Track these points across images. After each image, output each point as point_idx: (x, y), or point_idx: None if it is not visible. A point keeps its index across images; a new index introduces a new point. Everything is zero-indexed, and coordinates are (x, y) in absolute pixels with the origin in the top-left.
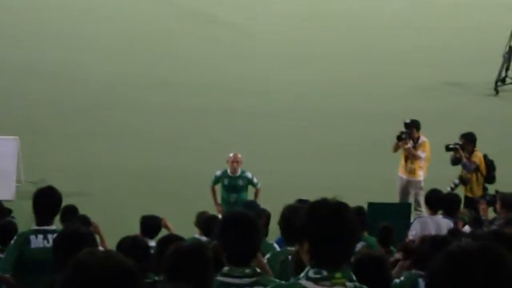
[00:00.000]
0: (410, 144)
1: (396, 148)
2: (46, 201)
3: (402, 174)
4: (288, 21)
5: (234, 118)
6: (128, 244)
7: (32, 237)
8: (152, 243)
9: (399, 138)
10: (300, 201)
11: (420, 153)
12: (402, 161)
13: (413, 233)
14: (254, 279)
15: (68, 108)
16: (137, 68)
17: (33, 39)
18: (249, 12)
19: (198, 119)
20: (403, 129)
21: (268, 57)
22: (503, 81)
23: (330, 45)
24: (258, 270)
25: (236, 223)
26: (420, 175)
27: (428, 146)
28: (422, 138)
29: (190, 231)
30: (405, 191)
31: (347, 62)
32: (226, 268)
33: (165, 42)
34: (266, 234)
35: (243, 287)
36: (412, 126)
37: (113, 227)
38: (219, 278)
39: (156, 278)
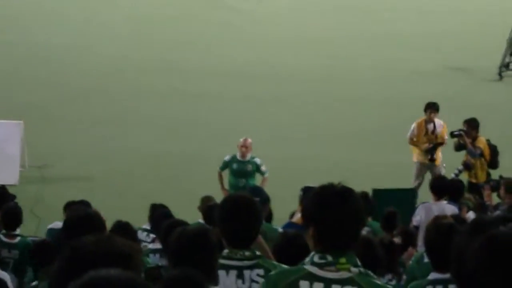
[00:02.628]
0: (428, 145)
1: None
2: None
3: (422, 159)
4: (295, 6)
5: (241, 104)
6: (114, 228)
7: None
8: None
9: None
10: (306, 188)
11: (446, 138)
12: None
13: (417, 218)
14: (254, 261)
15: (72, 93)
16: (143, 53)
17: (38, 24)
18: None
19: (205, 105)
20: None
21: (275, 42)
22: (507, 66)
23: (336, 30)
24: (258, 253)
25: (234, 206)
26: (440, 157)
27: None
28: (439, 122)
29: (194, 217)
30: (421, 174)
31: (353, 47)
32: (226, 251)
33: (172, 27)
34: (271, 219)
35: (243, 269)
36: (432, 108)
37: (117, 212)
38: (220, 260)
39: (160, 264)
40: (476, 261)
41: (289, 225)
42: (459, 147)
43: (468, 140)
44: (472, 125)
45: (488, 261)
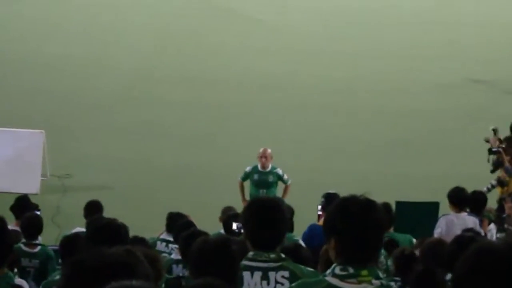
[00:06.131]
0: None
1: None
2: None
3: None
4: (316, 17)
5: (262, 114)
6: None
7: None
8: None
9: None
10: (327, 194)
11: None
12: None
13: (439, 230)
14: (279, 263)
15: (93, 103)
16: (163, 64)
17: (58, 34)
18: (276, 8)
19: (225, 115)
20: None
21: (295, 53)
22: None
23: (356, 41)
24: (283, 255)
25: (261, 208)
26: None
27: None
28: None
29: (213, 227)
30: None
31: (372, 58)
32: (251, 253)
33: (192, 37)
34: (292, 230)
35: (268, 271)
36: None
37: (137, 222)
38: (244, 262)
39: (181, 274)
40: (465, 275)
41: (313, 226)
42: (497, 164)
43: (506, 158)
44: (511, 142)
45: (476, 275)
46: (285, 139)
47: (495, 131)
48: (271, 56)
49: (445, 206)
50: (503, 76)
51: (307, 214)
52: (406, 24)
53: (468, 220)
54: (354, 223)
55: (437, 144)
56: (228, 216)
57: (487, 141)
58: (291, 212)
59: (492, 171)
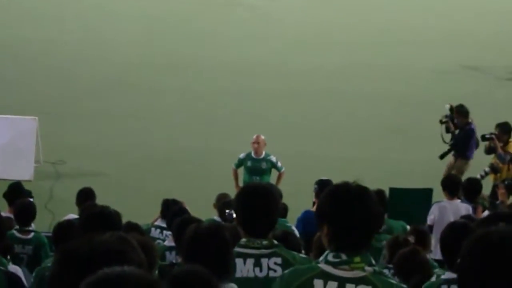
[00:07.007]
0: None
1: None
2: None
3: None
4: (308, 3)
5: (255, 101)
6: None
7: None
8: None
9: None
10: (320, 181)
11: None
12: None
13: (432, 217)
14: (272, 250)
15: (87, 89)
16: (157, 50)
17: (53, 19)
18: None
19: (219, 101)
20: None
21: (287, 39)
22: None
23: (349, 28)
24: (276, 242)
25: (252, 194)
26: None
27: None
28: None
29: (207, 214)
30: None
31: (366, 45)
32: (243, 240)
33: (185, 23)
34: (285, 215)
35: (261, 257)
36: None
37: (131, 209)
38: (237, 249)
39: (174, 261)
40: (471, 260)
41: (307, 212)
42: (489, 150)
43: (498, 144)
44: (504, 129)
45: (482, 260)
46: (279, 126)
47: (451, 108)
48: (265, 42)
49: (438, 193)
50: (497, 62)
51: (301, 201)
52: (400, 10)
53: (461, 207)
54: (346, 210)
55: (431, 130)
56: (223, 203)
57: (443, 122)
58: (279, 195)
59: (441, 158)
